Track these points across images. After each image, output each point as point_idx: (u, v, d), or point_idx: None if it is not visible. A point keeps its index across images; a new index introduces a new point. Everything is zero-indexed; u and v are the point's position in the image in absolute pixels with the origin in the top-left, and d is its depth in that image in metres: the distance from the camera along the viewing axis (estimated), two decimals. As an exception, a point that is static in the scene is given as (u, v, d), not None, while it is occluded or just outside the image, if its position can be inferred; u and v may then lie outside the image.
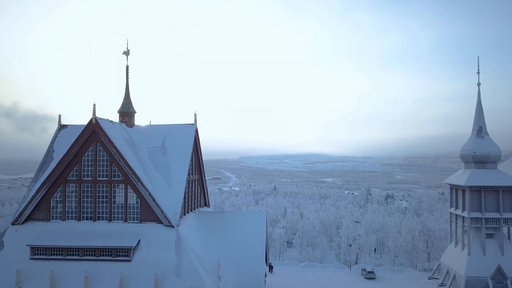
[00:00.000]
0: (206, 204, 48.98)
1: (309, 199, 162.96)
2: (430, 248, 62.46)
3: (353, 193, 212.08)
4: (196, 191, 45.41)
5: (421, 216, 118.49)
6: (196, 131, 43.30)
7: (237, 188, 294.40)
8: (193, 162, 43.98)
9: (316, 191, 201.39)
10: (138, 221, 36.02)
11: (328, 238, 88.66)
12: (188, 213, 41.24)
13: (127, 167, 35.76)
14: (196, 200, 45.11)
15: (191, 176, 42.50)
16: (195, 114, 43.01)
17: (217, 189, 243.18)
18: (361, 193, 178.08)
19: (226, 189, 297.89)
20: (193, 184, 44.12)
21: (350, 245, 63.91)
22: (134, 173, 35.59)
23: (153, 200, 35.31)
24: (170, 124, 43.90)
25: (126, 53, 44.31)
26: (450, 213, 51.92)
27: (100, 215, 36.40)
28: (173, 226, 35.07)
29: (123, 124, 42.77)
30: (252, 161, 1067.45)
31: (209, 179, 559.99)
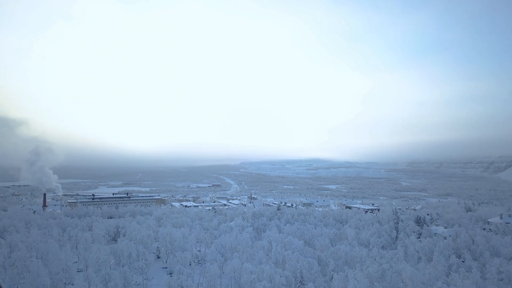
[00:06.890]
0: None
1: (324, 226, 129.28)
2: None
3: (371, 212, 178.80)
4: None
5: (485, 262, 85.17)
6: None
7: (236, 202, 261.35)
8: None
9: (329, 211, 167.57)
10: None
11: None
12: None
13: None
14: None
15: None
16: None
17: (211, 205, 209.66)
18: (387, 216, 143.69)
19: (223, 201, 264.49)
20: None
21: None
22: None
23: None
24: None
25: None
26: None
27: None
28: None
29: None
30: (254, 166, 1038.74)
31: (209, 185, 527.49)
